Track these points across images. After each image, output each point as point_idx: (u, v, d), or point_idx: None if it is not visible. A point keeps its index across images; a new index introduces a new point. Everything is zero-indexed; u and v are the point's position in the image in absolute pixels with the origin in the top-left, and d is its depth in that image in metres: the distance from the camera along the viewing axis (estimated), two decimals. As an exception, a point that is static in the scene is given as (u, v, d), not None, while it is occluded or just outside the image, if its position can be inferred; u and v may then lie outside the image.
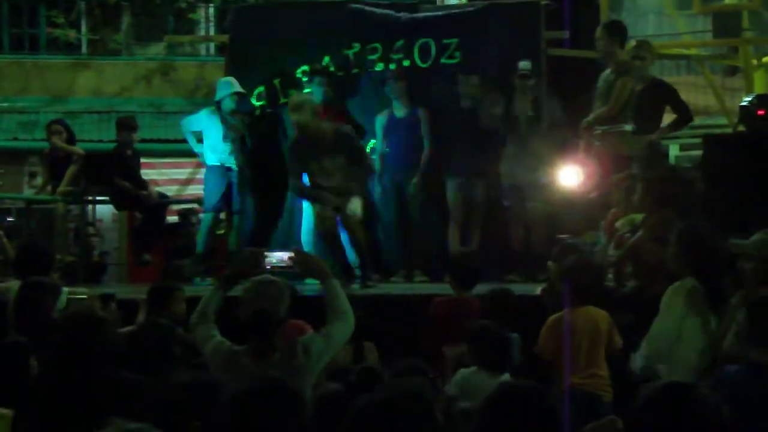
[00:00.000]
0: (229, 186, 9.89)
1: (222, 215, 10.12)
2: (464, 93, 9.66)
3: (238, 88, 9.85)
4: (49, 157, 10.71)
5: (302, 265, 4.90)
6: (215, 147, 9.80)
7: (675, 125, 9.21)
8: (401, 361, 5.07)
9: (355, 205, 8.82)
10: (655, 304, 5.79)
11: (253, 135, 10.12)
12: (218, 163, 9.82)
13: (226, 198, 9.90)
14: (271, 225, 10.12)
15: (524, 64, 9.51)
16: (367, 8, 10.35)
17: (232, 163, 9.83)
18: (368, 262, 9.04)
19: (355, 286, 8.50)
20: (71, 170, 10.38)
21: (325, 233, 8.90)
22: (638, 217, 7.16)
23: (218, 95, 9.91)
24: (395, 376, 4.73)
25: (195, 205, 12.16)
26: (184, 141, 10.29)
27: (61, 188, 10.41)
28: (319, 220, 8.95)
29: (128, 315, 6.67)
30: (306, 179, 9.00)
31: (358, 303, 6.20)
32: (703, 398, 2.81)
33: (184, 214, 11.47)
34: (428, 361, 5.43)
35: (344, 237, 8.98)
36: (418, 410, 2.84)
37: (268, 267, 4.95)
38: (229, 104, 9.77)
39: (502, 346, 6.00)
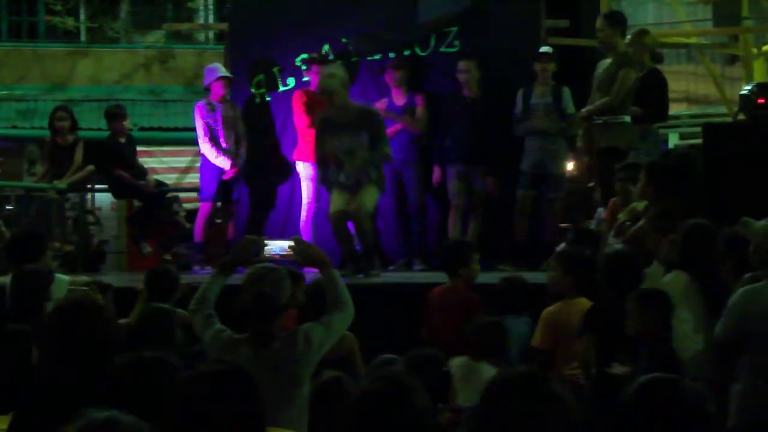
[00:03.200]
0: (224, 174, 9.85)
1: (218, 204, 10.10)
2: (466, 80, 9.64)
3: (224, 72, 9.81)
4: (50, 145, 10.70)
5: (302, 255, 4.88)
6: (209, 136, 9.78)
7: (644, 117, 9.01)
8: (416, 350, 5.07)
9: (369, 202, 8.74)
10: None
11: (250, 123, 10.09)
12: None
13: (223, 187, 9.88)
14: (267, 214, 10.11)
15: (545, 48, 9.51)
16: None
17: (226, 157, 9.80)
18: (373, 253, 8.98)
19: (360, 276, 8.48)
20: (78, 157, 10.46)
21: (335, 219, 8.82)
22: (640, 205, 7.15)
23: (206, 81, 9.89)
24: (410, 364, 4.72)
25: (178, 194, 12.14)
26: (183, 129, 10.25)
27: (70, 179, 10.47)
28: (333, 207, 8.79)
29: (128, 303, 6.67)
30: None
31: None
32: (688, 392, 2.81)
33: (168, 202, 11.43)
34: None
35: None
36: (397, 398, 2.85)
37: (268, 256, 4.92)
38: (217, 90, 9.74)
39: (498, 336, 6.10)
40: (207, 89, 9.85)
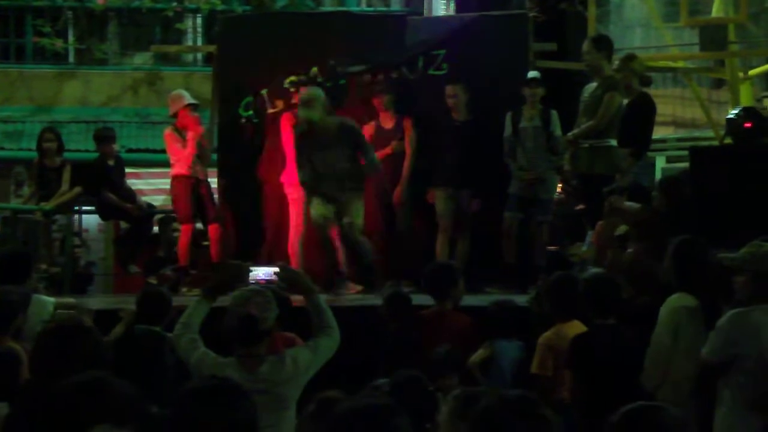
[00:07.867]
0: (199, 196, 9.85)
1: (199, 225, 10.09)
2: (453, 104, 9.64)
3: (190, 99, 9.85)
4: (37, 167, 10.68)
5: (287, 281, 4.88)
6: (179, 157, 9.81)
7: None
8: (401, 372, 5.06)
9: (358, 216, 8.86)
10: (644, 314, 5.82)
11: (237, 145, 10.09)
12: (184, 173, 9.81)
13: (199, 209, 9.87)
14: (253, 238, 10.06)
15: (534, 73, 9.53)
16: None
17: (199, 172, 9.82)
18: (373, 265, 9.13)
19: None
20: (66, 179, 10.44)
21: (319, 225, 8.90)
22: (624, 228, 7.18)
23: (172, 110, 9.93)
24: (395, 387, 4.71)
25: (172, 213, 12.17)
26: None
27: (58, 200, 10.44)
28: (315, 217, 8.93)
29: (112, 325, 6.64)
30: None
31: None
32: (670, 418, 2.82)
33: (162, 222, 11.41)
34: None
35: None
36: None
37: (253, 282, 4.92)
38: (183, 118, 9.76)
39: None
40: (174, 116, 9.89)
